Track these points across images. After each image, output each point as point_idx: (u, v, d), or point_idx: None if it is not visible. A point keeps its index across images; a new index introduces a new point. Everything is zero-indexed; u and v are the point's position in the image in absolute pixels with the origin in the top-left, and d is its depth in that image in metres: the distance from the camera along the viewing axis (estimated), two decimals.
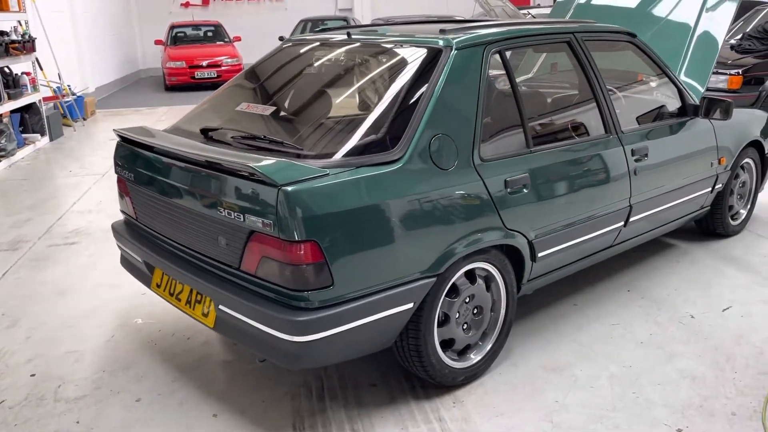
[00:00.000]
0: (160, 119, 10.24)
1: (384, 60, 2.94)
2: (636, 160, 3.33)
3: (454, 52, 2.68)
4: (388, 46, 2.94)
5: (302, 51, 3.28)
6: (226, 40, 15.09)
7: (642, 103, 3.91)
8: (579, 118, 3.33)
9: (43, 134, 8.51)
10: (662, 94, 3.84)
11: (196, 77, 13.45)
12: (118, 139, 3.02)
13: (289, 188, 2.17)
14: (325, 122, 2.75)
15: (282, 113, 2.92)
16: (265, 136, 2.57)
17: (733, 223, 4.39)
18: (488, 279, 2.82)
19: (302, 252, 2.19)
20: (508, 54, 2.95)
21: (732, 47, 7.79)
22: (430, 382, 2.72)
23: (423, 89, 2.58)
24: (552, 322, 3.32)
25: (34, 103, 8.49)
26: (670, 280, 3.78)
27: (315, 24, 15.25)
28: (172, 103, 12.06)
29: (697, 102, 3.75)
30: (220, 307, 2.46)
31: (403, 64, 2.78)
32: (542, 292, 3.45)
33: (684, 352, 3.01)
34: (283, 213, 2.17)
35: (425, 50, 2.75)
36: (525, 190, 2.78)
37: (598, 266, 3.71)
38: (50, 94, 9.61)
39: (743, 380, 2.77)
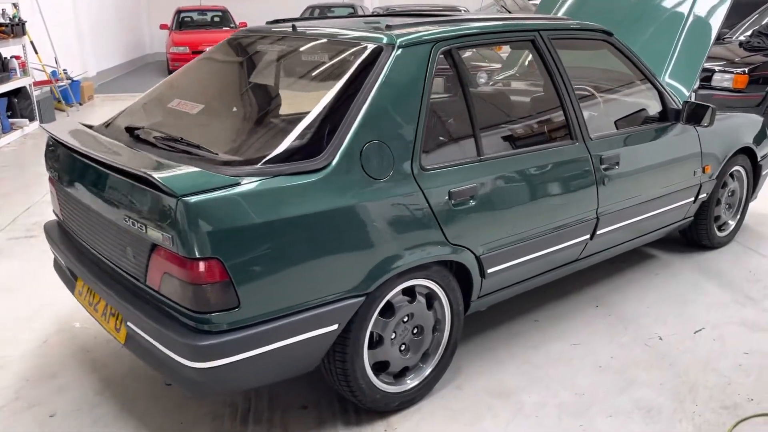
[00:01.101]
0: None
1: (322, 57, 2.73)
2: (605, 169, 3.10)
3: (396, 50, 2.47)
4: (330, 41, 2.73)
5: (247, 44, 3.08)
6: (231, 26, 14.89)
7: (619, 106, 3.67)
8: (541, 123, 3.11)
9: (32, 119, 8.39)
10: (643, 97, 3.60)
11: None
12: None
13: (191, 199, 1.97)
14: (251, 124, 2.55)
15: (210, 112, 2.72)
16: (182, 138, 2.38)
17: (720, 234, 4.14)
18: (431, 297, 2.62)
19: (203, 270, 2.00)
20: (461, 53, 2.73)
21: (741, 44, 7.47)
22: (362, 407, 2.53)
23: (358, 91, 2.37)
24: (507, 339, 3.11)
25: (24, 87, 8.36)
26: (645, 296, 3.55)
27: (322, 11, 15.01)
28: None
29: (681, 106, 3.50)
30: (128, 323, 2.29)
31: (340, 62, 2.57)
32: (501, 306, 3.24)
33: (644, 380, 2.79)
34: (183, 226, 1.97)
35: (366, 47, 2.53)
36: (472, 202, 2.57)
37: (568, 278, 3.49)
38: (45, 78, 9.50)
39: (703, 415, 2.56)
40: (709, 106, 3.36)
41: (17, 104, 8.27)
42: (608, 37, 3.30)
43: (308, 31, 2.86)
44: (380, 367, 2.51)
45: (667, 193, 3.52)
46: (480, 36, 2.81)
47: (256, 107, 2.63)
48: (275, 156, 2.22)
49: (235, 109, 2.75)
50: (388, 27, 2.62)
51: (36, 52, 9.05)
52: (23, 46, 8.50)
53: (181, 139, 2.37)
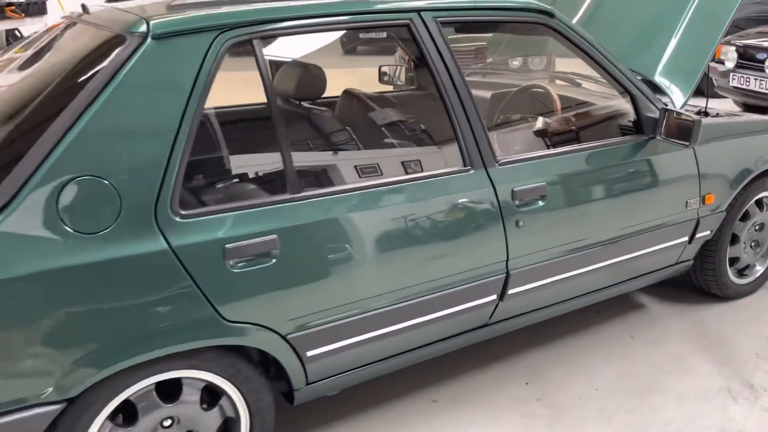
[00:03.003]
0: None
1: (68, 51, 2.01)
2: (521, 205, 2.21)
3: (148, 42, 1.71)
4: (86, 28, 2.01)
5: (47, 33, 2.39)
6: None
7: (572, 116, 2.72)
8: (408, 142, 2.25)
9: None
10: (617, 102, 2.64)
11: None
12: None
13: None
14: None
15: None
16: None
17: (739, 281, 3.10)
18: (215, 392, 1.87)
19: None
20: (267, 47, 1.92)
21: None
22: None
23: (71, 100, 1.64)
24: (385, 428, 2.31)
25: None
26: (600, 371, 2.62)
27: None
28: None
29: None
30: None
31: (77, 58, 1.85)
32: (393, 377, 2.43)
33: None
34: None
35: (105, 37, 1.80)
36: (270, 261, 1.80)
37: (501, 337, 2.62)
38: None
39: None
40: (690, 119, 2.36)
41: None
42: (546, 18, 2.36)
43: (85, 16, 2.13)
44: None
45: (637, 233, 2.56)
46: (300, 20, 1.96)
47: None
48: None
49: None
50: (156, 7, 1.87)
51: None
52: (45, 24, 8.27)
53: None
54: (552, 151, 2.38)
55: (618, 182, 2.48)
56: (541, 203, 2.26)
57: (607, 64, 2.46)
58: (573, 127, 2.71)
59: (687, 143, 2.39)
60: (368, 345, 2.06)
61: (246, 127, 2.29)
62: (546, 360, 2.70)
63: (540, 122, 2.66)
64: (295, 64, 2.47)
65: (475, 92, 2.22)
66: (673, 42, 2.79)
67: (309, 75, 2.42)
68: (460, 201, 2.12)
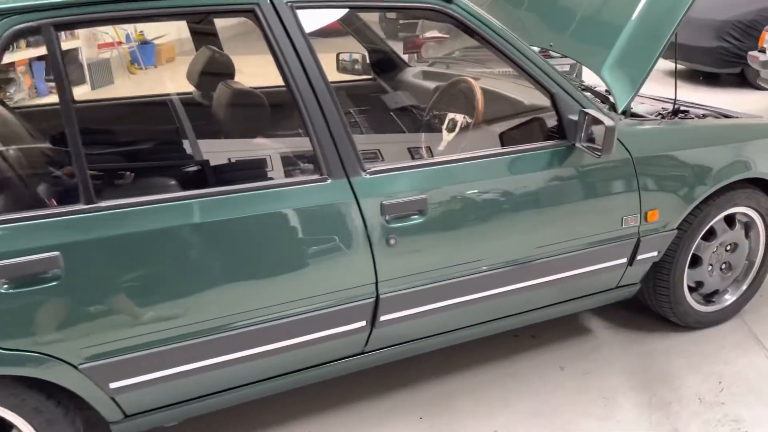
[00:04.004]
0: None
1: None
2: (393, 221, 1.92)
3: None
4: None
5: None
6: None
7: (488, 115, 2.38)
8: (265, 148, 1.98)
9: (76, 83, 8.21)
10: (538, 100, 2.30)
11: None
12: None
13: None
14: None
15: None
16: None
17: (705, 309, 2.69)
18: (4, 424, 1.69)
19: None
20: (60, 34, 1.68)
21: None
22: None
23: None
24: None
25: (73, 50, 8.20)
26: (514, 404, 2.32)
27: None
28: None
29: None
30: None
31: None
32: (266, 402, 2.19)
33: None
34: None
35: None
36: (53, 282, 1.58)
37: (407, 361, 2.34)
38: (113, 40, 9.38)
39: None
40: (604, 125, 2.00)
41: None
42: (442, 4, 2.03)
43: None
44: None
45: (558, 253, 2.22)
46: (116, 5, 1.72)
47: None
48: None
49: None
50: None
51: None
52: None
53: None
54: (438, 159, 2.07)
55: (529, 195, 2.14)
56: (419, 219, 1.96)
57: (518, 58, 2.12)
58: (489, 129, 2.39)
59: (599, 153, 2.03)
60: (199, 375, 1.83)
61: (38, 126, 2.08)
62: (458, 389, 2.40)
63: (448, 122, 2.35)
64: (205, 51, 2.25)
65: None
66: (624, 36, 2.41)
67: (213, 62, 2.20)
68: (313, 215, 1.85)
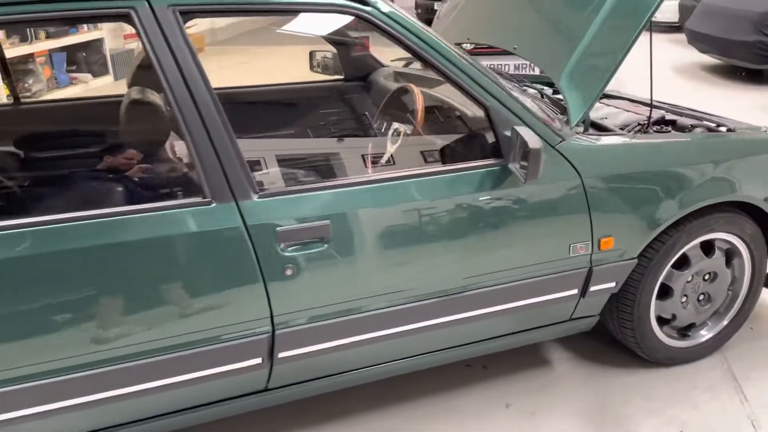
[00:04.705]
0: (244, 61, 9.53)
1: None
2: (286, 249, 1.73)
3: None
4: None
5: None
6: None
7: (422, 128, 2.16)
8: (150, 171, 1.81)
9: (98, 74, 8.25)
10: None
11: None
12: None
13: None
14: None
15: None
16: None
17: (679, 344, 2.42)
18: None
19: None
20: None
21: None
22: None
23: None
24: None
25: (96, 40, 8.23)
26: None
27: None
28: (285, 43, 11.24)
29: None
30: None
31: None
32: None
33: None
34: None
35: None
36: None
37: (343, 392, 2.17)
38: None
39: None
40: (528, 148, 1.76)
41: (85, 58, 8.16)
42: (358, 8, 1.82)
43: None
44: None
45: (493, 284, 2.00)
46: None
47: None
48: None
49: None
50: None
51: None
52: None
53: None
54: (344, 180, 1.87)
55: (455, 222, 1.92)
56: (321, 247, 1.76)
57: (446, 66, 1.89)
58: (428, 143, 2.17)
59: (523, 179, 1.79)
60: (75, 412, 1.68)
61: None
62: (398, 423, 2.21)
63: (393, 133, 2.14)
64: None
65: None
66: (584, 44, 2.16)
67: None
68: (194, 243, 1.67)
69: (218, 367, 1.79)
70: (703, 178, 2.17)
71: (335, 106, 2.90)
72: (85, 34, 8.08)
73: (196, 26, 7.63)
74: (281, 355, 1.83)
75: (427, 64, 1.91)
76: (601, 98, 2.98)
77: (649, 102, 2.75)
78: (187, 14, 1.70)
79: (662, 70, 7.59)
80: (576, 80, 2.14)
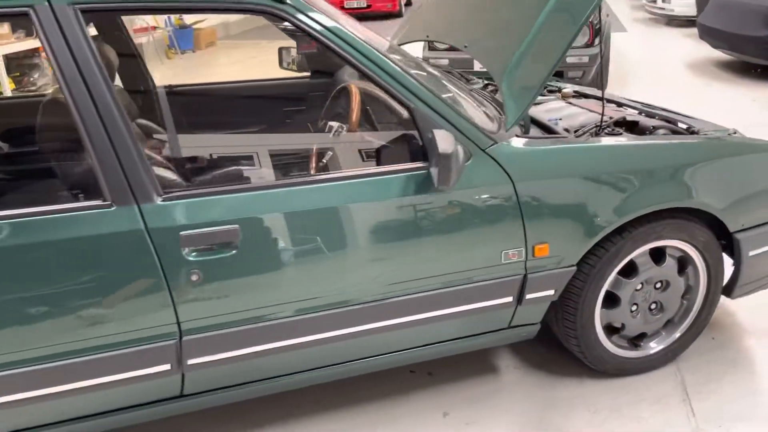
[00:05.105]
0: (254, 55, 9.54)
1: None
2: (191, 254, 1.69)
3: None
4: None
5: None
6: None
7: (354, 129, 2.11)
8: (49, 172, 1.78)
9: None
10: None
11: (345, 6, 12.47)
12: None
13: None
14: None
15: None
16: None
17: (626, 354, 2.34)
18: None
19: None
20: None
21: None
22: None
23: None
24: None
25: None
26: None
27: None
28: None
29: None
30: None
31: None
32: None
33: None
34: None
35: None
36: None
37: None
38: (149, 24, 9.46)
39: None
40: (439, 153, 1.70)
41: None
42: (272, 5, 1.77)
43: None
44: None
45: (418, 290, 1.94)
46: None
47: None
48: None
49: None
50: None
51: None
52: None
53: None
54: (256, 183, 1.81)
55: (375, 227, 1.87)
56: (230, 252, 1.72)
57: (367, 66, 1.84)
58: (364, 144, 2.11)
59: (439, 186, 1.74)
60: None
61: None
62: None
63: (334, 133, 2.09)
64: None
65: None
66: (524, 44, 2.08)
67: None
68: (94, 245, 1.64)
69: (128, 372, 1.76)
70: (646, 184, 2.08)
71: (286, 104, 2.86)
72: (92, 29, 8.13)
73: (208, 20, 7.68)
74: (191, 362, 1.79)
75: (349, 64, 1.85)
76: (574, 96, 2.91)
77: (620, 102, 2.68)
78: (88, 13, 1.67)
79: (672, 67, 7.40)
80: (515, 81, 2.07)
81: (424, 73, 2.27)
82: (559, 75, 5.76)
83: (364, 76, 1.86)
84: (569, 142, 2.09)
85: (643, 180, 2.07)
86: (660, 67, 7.42)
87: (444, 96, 1.94)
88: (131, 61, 2.99)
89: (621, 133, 2.31)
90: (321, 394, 2.28)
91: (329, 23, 1.82)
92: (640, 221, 2.12)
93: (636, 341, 2.35)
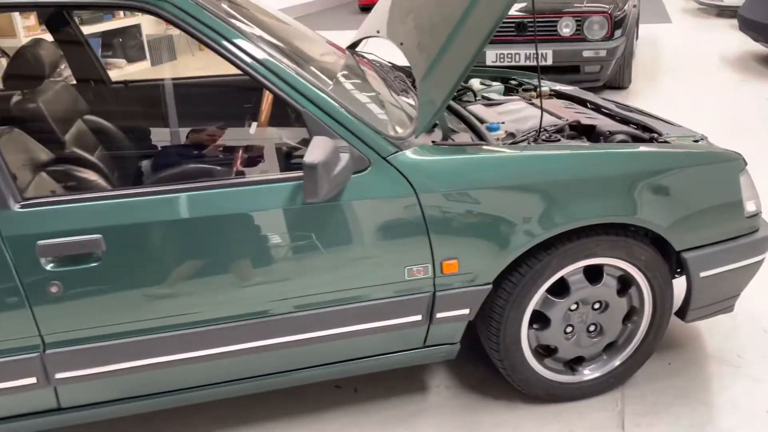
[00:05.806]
0: None
1: None
2: (49, 264, 1.62)
3: None
4: None
5: None
6: None
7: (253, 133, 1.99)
8: None
9: (134, 60, 8.41)
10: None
11: None
12: None
13: None
14: None
15: None
16: None
17: (559, 378, 2.15)
18: None
19: None
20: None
21: None
22: None
23: None
24: None
25: (132, 26, 8.40)
26: None
27: None
28: (348, 27, 11.13)
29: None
30: None
31: None
32: None
33: None
34: None
35: None
36: None
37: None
38: None
39: None
40: (306, 163, 1.56)
41: (121, 44, 8.32)
42: (152, 3, 1.67)
43: None
44: None
45: (306, 306, 1.82)
46: None
47: None
48: None
49: None
50: None
51: None
52: None
53: None
54: (124, 190, 1.70)
55: (258, 237, 1.75)
56: (93, 263, 1.64)
57: (254, 68, 1.71)
58: (271, 146, 1.99)
59: (310, 200, 1.60)
60: None
61: None
62: None
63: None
64: None
65: None
66: (443, 48, 1.93)
67: None
68: None
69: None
70: (572, 197, 1.89)
71: (224, 102, 2.76)
72: (120, 20, 8.24)
73: None
74: (58, 375, 1.71)
75: (235, 65, 1.73)
76: (550, 96, 2.72)
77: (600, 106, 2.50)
78: None
79: (710, 60, 6.98)
80: (430, 85, 1.91)
81: (345, 72, 2.14)
82: (575, 70, 5.47)
83: (253, 78, 1.73)
84: (483, 151, 1.91)
85: (568, 192, 1.88)
86: (696, 59, 7.01)
87: (350, 97, 1.81)
88: (84, 56, 2.95)
89: (559, 140, 2.12)
90: (240, 410, 2.18)
91: (214, 23, 1.70)
92: (568, 237, 1.94)
93: (573, 365, 2.17)
